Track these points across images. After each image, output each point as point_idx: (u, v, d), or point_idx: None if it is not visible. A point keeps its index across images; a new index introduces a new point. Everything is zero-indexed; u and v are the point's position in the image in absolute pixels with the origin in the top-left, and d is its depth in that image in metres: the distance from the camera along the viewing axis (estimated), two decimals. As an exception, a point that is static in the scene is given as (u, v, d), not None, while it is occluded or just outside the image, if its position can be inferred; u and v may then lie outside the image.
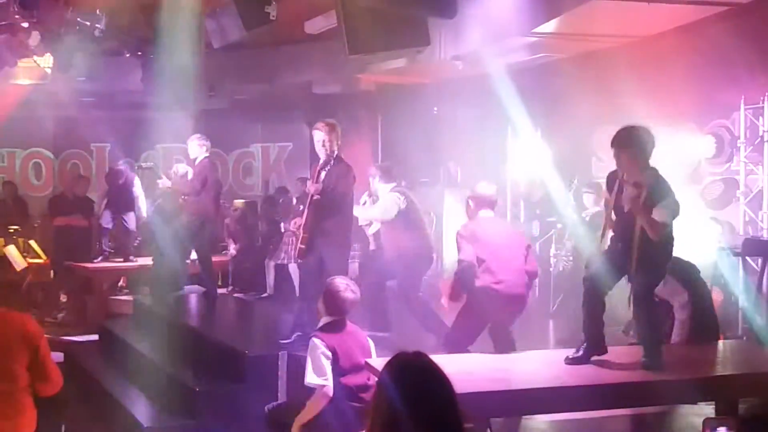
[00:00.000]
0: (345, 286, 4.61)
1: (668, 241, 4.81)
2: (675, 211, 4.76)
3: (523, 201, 9.92)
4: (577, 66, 8.75)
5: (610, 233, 4.97)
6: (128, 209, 10.75)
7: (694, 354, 5.51)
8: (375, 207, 6.98)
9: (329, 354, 4.49)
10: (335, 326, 4.59)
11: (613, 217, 4.93)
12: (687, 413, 5.39)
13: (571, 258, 8.73)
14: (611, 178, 4.96)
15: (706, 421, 3.42)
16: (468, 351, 5.49)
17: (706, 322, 5.67)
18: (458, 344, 5.53)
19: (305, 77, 11.49)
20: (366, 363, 4.87)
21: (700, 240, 7.20)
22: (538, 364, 5.09)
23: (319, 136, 6.18)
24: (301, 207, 9.99)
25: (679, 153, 7.62)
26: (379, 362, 4.85)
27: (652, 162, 4.87)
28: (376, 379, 4.57)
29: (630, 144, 4.83)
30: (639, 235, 4.73)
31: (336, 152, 6.18)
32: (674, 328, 5.86)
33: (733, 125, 7.77)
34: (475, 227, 5.66)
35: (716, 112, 7.90)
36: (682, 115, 7.77)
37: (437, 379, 2.07)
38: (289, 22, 8.67)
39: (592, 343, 4.93)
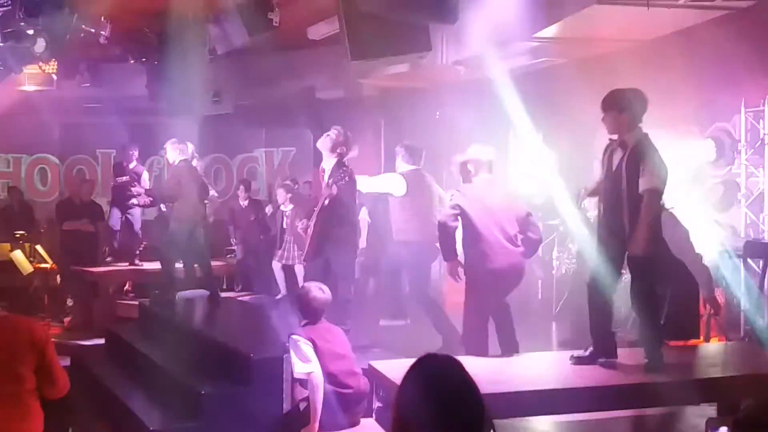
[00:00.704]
0: (315, 287, 5.00)
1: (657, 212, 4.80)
2: (661, 176, 4.75)
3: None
4: (579, 70, 8.77)
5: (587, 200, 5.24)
6: (134, 201, 10.75)
7: (697, 355, 5.54)
8: (380, 179, 7.05)
9: (309, 343, 4.78)
10: (311, 324, 4.96)
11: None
12: (689, 414, 5.42)
13: (574, 261, 8.76)
14: (606, 146, 5.03)
15: (709, 422, 3.45)
16: (486, 347, 5.50)
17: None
18: (475, 336, 5.52)
19: (308, 83, 11.54)
20: (370, 365, 4.94)
21: (702, 242, 7.24)
22: (541, 366, 5.13)
23: (328, 141, 6.26)
24: (284, 206, 10.06)
25: (680, 157, 7.64)
26: (383, 365, 4.90)
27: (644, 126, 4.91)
28: (392, 380, 4.66)
29: (610, 106, 4.94)
30: (626, 195, 4.76)
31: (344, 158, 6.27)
32: None
33: (733, 128, 7.79)
34: (470, 195, 5.57)
35: (717, 115, 7.92)
36: (682, 119, 7.79)
37: (467, 385, 1.98)
38: (292, 28, 8.72)
39: (599, 346, 4.97)
